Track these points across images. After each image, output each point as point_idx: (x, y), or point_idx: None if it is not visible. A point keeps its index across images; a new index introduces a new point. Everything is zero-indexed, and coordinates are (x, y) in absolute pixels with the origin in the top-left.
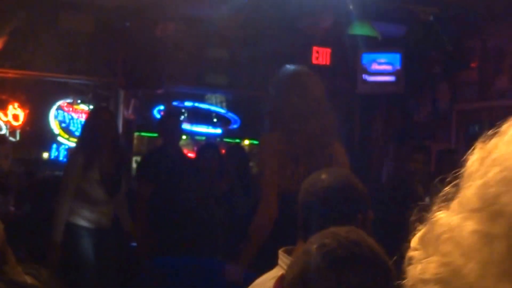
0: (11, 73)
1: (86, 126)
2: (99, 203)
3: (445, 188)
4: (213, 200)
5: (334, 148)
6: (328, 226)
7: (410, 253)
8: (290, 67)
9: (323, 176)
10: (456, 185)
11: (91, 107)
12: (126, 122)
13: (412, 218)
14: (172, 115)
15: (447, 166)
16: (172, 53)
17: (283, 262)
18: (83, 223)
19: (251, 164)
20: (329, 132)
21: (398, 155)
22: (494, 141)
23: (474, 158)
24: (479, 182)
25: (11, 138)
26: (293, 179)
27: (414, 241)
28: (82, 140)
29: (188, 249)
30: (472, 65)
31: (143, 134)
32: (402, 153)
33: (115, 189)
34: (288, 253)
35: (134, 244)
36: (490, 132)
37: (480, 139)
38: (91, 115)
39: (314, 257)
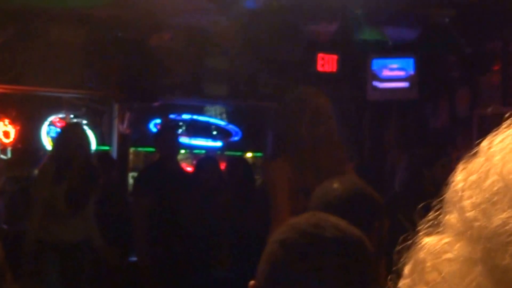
0: (1, 88)
1: (57, 141)
2: (65, 216)
3: (432, 211)
4: (212, 214)
5: None
6: None
7: (401, 282)
8: (301, 90)
9: (335, 185)
10: (442, 208)
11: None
12: (122, 136)
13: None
14: (168, 129)
15: None
16: (168, 64)
17: None
18: (49, 238)
19: (256, 177)
20: (340, 163)
21: (412, 162)
22: (474, 161)
23: (457, 180)
24: (459, 205)
25: (2, 156)
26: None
27: (406, 268)
28: (53, 154)
29: (188, 263)
30: (495, 68)
31: (139, 149)
32: (417, 159)
33: (82, 203)
34: None
35: (134, 258)
36: (472, 152)
37: (464, 159)
38: (63, 130)
39: (278, 256)
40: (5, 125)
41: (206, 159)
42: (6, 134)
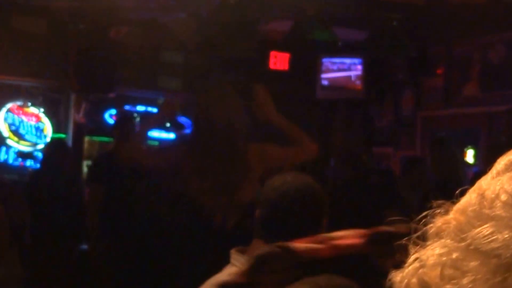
0: None
1: None
2: None
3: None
4: (166, 203)
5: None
6: (293, 229)
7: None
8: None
9: (289, 178)
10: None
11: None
12: (77, 125)
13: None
14: (126, 119)
15: (415, 173)
16: (125, 56)
17: (237, 260)
18: None
19: None
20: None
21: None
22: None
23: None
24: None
25: None
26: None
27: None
28: None
29: (143, 253)
30: (438, 71)
31: (94, 138)
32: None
33: None
34: (242, 252)
35: (85, 247)
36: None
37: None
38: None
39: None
40: None
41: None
42: None
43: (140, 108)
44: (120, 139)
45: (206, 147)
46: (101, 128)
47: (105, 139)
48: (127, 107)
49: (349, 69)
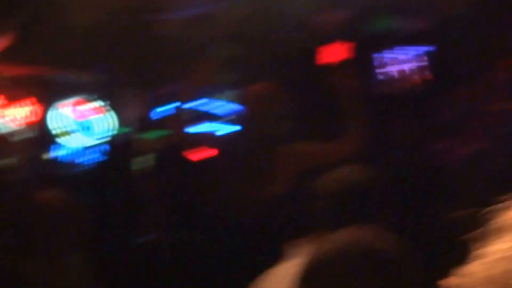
0: (15, 70)
1: None
2: None
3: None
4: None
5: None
6: (355, 220)
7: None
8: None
9: (349, 170)
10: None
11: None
12: (140, 120)
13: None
14: (181, 114)
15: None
16: (176, 51)
17: (298, 252)
18: None
19: None
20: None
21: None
22: None
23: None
24: None
25: (24, 136)
26: None
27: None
28: None
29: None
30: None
31: (155, 132)
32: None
33: None
34: (302, 244)
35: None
36: None
37: None
38: None
39: None
40: (27, 105)
41: None
42: (18, 115)
43: (197, 102)
44: (178, 133)
45: (244, 142)
46: (151, 124)
47: (165, 132)
48: (178, 103)
49: (412, 60)
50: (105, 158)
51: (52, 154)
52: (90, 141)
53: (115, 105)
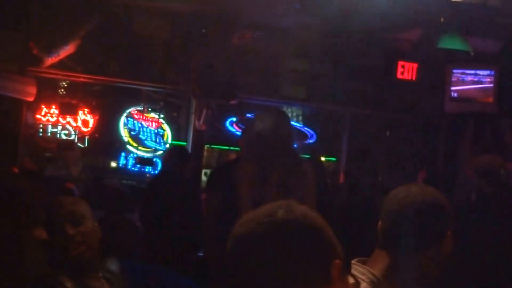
0: (82, 78)
1: None
2: None
3: None
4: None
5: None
6: (416, 240)
7: None
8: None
9: (414, 189)
10: None
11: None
12: (197, 132)
13: None
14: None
15: None
16: (248, 62)
17: (358, 271)
18: None
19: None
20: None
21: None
22: None
23: None
24: None
25: (79, 145)
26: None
27: None
28: None
29: None
30: None
31: (213, 146)
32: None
33: None
34: (363, 263)
35: (201, 254)
36: None
37: None
38: None
39: None
40: (85, 114)
41: None
42: (85, 123)
43: None
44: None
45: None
46: (221, 135)
47: (225, 147)
48: (248, 115)
49: (480, 81)
50: (158, 171)
51: (120, 161)
52: (144, 153)
53: (171, 117)
